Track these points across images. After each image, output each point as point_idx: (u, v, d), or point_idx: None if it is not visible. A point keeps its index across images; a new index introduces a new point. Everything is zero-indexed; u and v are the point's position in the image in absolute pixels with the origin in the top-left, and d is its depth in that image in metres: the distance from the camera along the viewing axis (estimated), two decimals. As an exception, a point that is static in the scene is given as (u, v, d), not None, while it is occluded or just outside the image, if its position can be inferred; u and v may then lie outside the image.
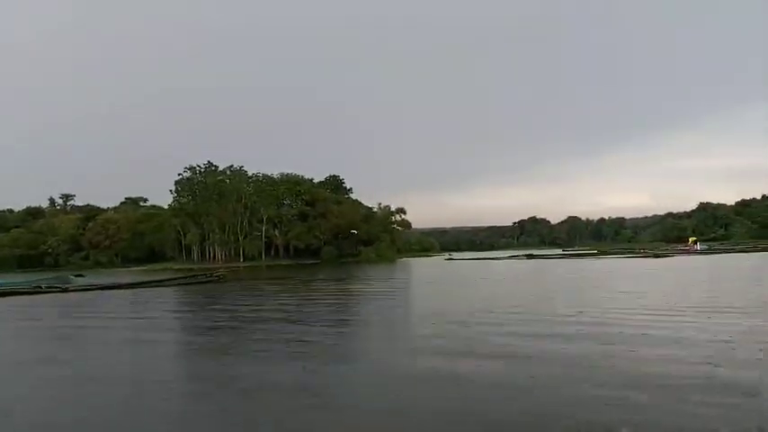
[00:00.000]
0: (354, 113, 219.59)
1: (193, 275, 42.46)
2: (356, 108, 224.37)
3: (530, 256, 67.58)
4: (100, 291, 32.88)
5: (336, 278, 39.51)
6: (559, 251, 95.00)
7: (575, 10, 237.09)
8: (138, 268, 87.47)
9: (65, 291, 32.43)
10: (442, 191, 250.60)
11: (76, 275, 45.74)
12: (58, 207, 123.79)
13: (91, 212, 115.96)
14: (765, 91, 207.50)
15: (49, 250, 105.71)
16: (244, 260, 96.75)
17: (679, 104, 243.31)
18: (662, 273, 31.94)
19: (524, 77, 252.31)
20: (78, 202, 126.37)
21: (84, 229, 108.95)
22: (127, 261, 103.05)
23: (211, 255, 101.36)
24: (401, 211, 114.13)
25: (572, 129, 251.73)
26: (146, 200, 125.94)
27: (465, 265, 56.35)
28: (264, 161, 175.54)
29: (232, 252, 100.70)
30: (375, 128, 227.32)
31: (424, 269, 51.71)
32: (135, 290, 33.12)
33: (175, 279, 40.40)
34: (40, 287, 33.05)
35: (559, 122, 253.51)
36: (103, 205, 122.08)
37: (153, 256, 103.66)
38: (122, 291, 32.66)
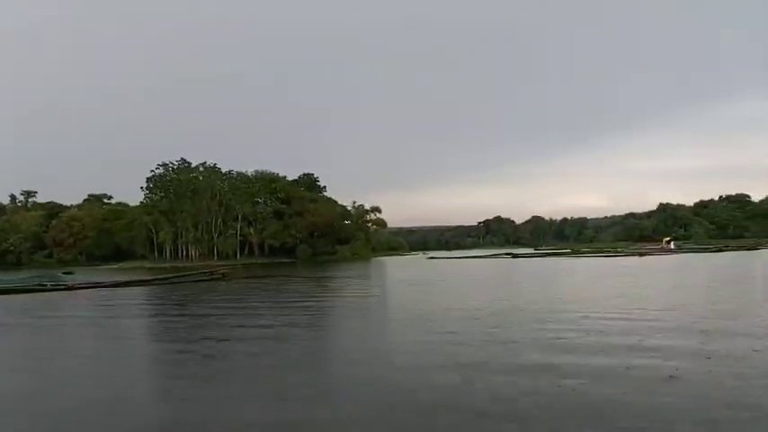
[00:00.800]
0: (322, 113, 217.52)
1: (192, 273, 41.90)
2: (325, 108, 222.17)
3: (514, 256, 68.68)
4: (112, 288, 31.88)
5: (348, 276, 39.46)
6: (531, 250, 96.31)
7: (535, 14, 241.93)
8: (108, 267, 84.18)
9: (69, 289, 31.30)
10: (407, 191, 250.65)
11: (66, 273, 44.11)
12: (20, 204, 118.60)
13: (54, 210, 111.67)
14: (721, 92, 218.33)
15: (11, 248, 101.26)
16: (218, 258, 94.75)
17: (634, 106, 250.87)
18: (673, 270, 33.16)
19: (487, 79, 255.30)
20: (40, 198, 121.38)
21: (47, 226, 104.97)
22: (92, 259, 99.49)
23: (184, 253, 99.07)
24: (376, 209, 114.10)
25: (539, 129, 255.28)
26: (110, 197, 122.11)
27: (466, 264, 55.25)
28: (231, 159, 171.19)
29: (206, 250, 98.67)
30: (344, 127, 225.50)
31: (429, 268, 50.26)
32: (145, 287, 32.26)
33: (173, 276, 39.75)
34: (45, 285, 31.85)
35: (523, 123, 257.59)
36: (66, 202, 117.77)
37: (120, 254, 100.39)
38: (134, 288, 31.74)
